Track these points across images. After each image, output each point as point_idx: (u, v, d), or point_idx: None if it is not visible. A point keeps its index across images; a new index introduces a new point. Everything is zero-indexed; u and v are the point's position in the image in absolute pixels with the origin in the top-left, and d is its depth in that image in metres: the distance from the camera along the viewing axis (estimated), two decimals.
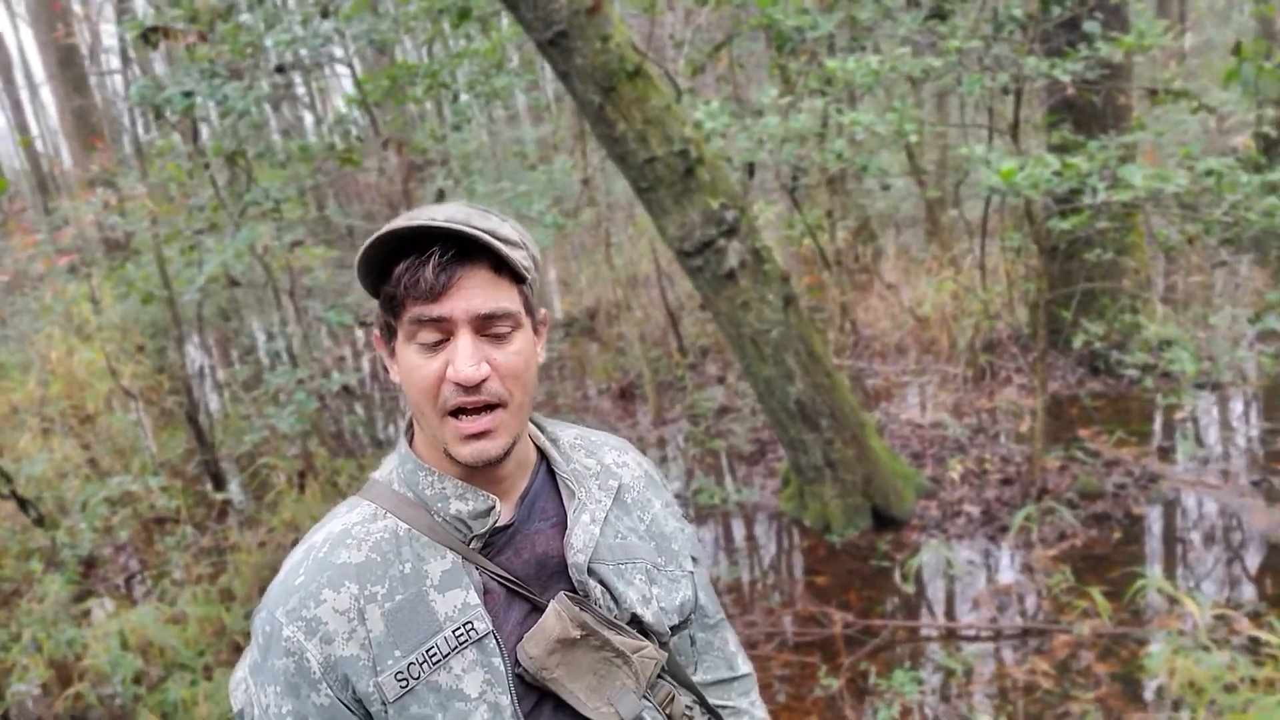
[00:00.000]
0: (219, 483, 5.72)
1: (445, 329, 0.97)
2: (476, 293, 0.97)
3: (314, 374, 4.46)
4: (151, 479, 5.17)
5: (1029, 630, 3.64)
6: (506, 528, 1.06)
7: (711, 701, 1.24)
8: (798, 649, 3.71)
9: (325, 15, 4.14)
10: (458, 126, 5.73)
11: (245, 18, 4.03)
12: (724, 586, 4.33)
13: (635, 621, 1.10)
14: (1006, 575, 4.05)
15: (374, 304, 1.05)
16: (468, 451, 0.98)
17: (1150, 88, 4.12)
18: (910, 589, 4.01)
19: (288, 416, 3.74)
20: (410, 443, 1.09)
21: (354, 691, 0.97)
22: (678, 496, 5.26)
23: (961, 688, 3.39)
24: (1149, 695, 3.23)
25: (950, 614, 3.89)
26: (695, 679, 1.24)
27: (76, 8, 11.91)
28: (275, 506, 4.98)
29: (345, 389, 5.58)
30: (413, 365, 0.98)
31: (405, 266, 0.96)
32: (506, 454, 1.01)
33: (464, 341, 0.96)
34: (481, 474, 1.04)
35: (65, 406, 6.64)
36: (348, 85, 14.85)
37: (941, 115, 8.08)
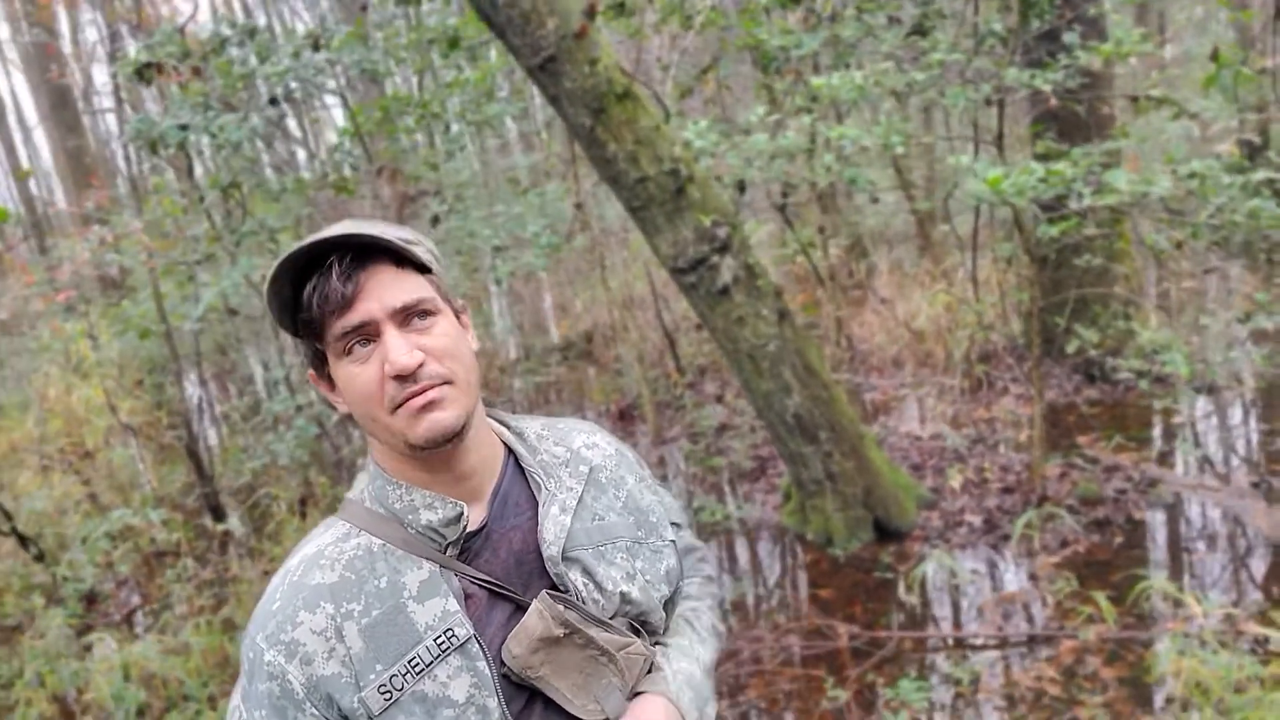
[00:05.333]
0: (219, 514, 5.71)
1: (370, 333, 0.99)
2: (385, 289, 0.99)
3: (312, 400, 4.47)
4: (152, 512, 5.16)
5: (1034, 637, 3.63)
6: (480, 530, 1.07)
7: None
8: (804, 663, 3.70)
9: (316, 48, 4.20)
10: (450, 155, 5.78)
11: (235, 52, 4.08)
12: (729, 604, 4.33)
13: (625, 601, 1.11)
14: (1010, 583, 4.05)
15: None
16: (422, 428, 0.99)
17: (1132, 95, 4.18)
18: (915, 599, 4.01)
19: (289, 442, 3.74)
20: (376, 460, 1.10)
21: (339, 709, 0.98)
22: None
23: (969, 697, 3.38)
24: (1158, 699, 3.23)
25: (955, 623, 3.88)
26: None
27: (68, 50, 12.02)
28: (277, 536, 4.97)
29: (347, 417, 5.60)
30: (351, 376, 1.00)
31: (312, 286, 0.98)
32: (463, 432, 1.02)
33: (391, 335, 0.98)
34: (445, 468, 1.05)
35: (64, 444, 6.64)
36: (339, 117, 14.97)
37: (928, 129, 8.17)
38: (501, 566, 1.06)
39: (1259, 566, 3.88)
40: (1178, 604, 3.57)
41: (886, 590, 4.12)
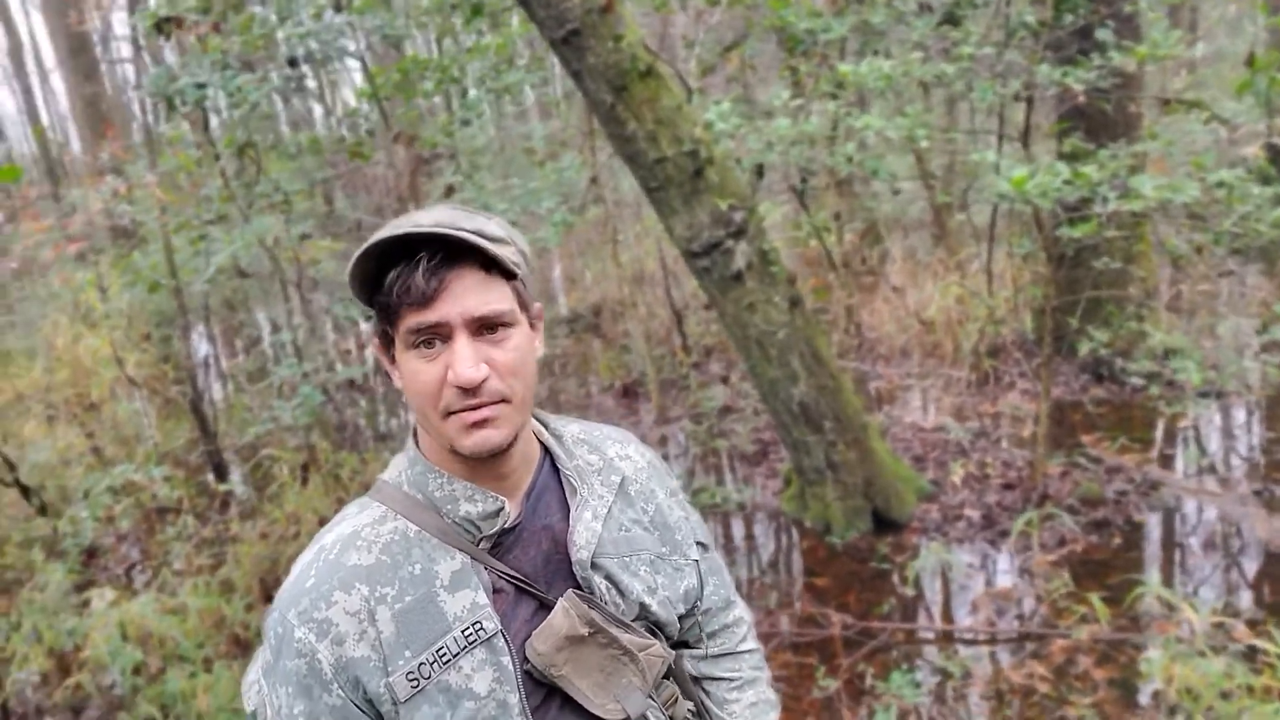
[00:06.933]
0: (221, 473, 5.73)
1: (443, 333, 0.98)
2: (468, 295, 0.97)
3: (319, 367, 4.47)
4: (155, 469, 5.18)
5: (1027, 634, 3.64)
6: (514, 527, 1.07)
7: (720, 671, 1.27)
8: (796, 649, 3.72)
9: (338, 9, 4.14)
10: (467, 121, 5.74)
11: (258, 10, 4.03)
12: None
13: (644, 612, 1.12)
14: (1006, 579, 4.05)
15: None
16: (471, 442, 1.00)
17: (1163, 97, 4.12)
18: (910, 592, 4.02)
19: (294, 409, 3.75)
20: (417, 444, 1.10)
21: (365, 692, 0.99)
22: None
23: (959, 690, 3.39)
24: (1146, 701, 3.24)
25: (949, 617, 3.90)
26: (704, 653, 1.26)
27: None
28: (278, 498, 5.00)
29: (350, 383, 5.59)
30: (414, 371, 1.00)
31: (396, 274, 0.97)
32: (510, 446, 1.03)
33: (462, 344, 0.97)
34: (486, 469, 1.05)
35: (70, 394, 6.66)
36: (358, 78, 14.85)
37: (951, 120, 8.08)
38: (530, 564, 1.07)
39: (1255, 573, 3.88)
40: (1171, 608, 3.57)
41: (882, 581, 4.13)
